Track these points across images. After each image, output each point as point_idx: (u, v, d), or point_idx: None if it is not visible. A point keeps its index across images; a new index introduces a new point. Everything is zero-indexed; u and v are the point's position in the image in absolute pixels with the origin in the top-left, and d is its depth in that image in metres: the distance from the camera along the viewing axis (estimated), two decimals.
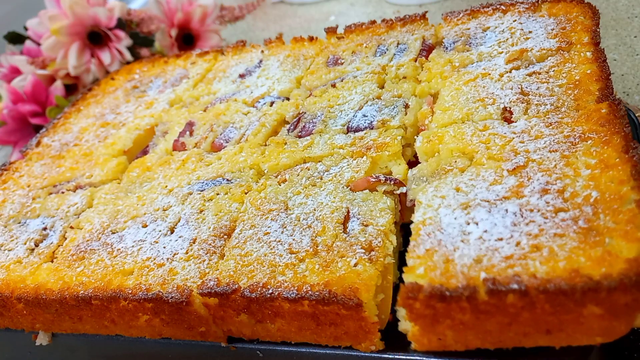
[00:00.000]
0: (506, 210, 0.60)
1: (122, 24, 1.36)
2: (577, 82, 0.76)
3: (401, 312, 0.60)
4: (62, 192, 0.95)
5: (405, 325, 0.61)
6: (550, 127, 0.70)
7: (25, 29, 1.44)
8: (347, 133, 0.85)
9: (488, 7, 0.99)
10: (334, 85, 0.96)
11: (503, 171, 0.65)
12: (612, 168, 0.61)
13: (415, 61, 0.95)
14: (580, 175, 0.61)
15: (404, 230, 0.76)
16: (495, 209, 0.61)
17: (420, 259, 0.58)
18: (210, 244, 0.73)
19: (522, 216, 0.59)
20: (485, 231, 0.59)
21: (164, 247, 0.75)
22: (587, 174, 0.61)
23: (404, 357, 0.63)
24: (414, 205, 0.68)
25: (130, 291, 0.70)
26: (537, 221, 0.58)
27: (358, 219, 0.69)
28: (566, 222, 0.57)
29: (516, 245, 0.56)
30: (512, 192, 0.62)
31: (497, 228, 0.59)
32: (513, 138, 0.70)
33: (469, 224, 0.61)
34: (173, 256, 0.73)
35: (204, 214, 0.79)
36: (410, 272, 0.58)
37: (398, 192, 0.73)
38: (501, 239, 0.57)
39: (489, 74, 0.84)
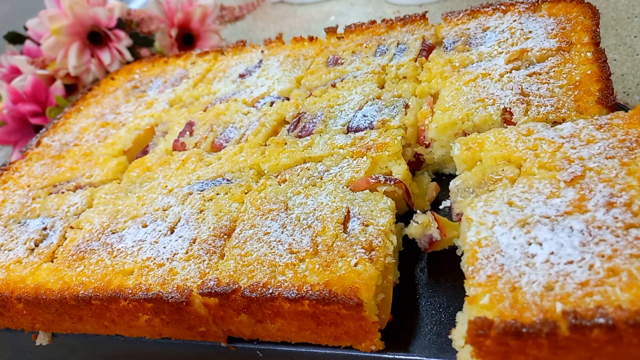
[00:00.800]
0: (571, 228, 0.55)
1: (122, 24, 1.36)
2: (577, 83, 0.76)
3: (465, 350, 0.56)
4: (62, 192, 0.95)
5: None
6: (602, 130, 0.65)
7: (25, 29, 1.44)
8: (347, 133, 0.85)
9: (488, 7, 0.99)
10: (334, 85, 0.96)
11: (559, 182, 0.60)
12: None
13: (415, 61, 0.95)
14: None
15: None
16: (559, 227, 0.56)
17: (483, 287, 0.53)
18: (210, 244, 0.73)
19: (590, 234, 0.54)
20: (552, 253, 0.54)
21: (164, 247, 0.75)
22: None
23: (404, 357, 0.63)
24: (459, 219, 0.64)
25: (130, 291, 0.70)
26: (607, 240, 0.53)
27: (358, 219, 0.69)
28: None
29: (589, 269, 0.51)
30: (574, 206, 0.57)
31: (565, 249, 0.53)
32: (563, 143, 0.65)
33: (530, 244, 0.55)
34: (173, 256, 0.73)
35: (204, 214, 0.78)
36: (473, 303, 0.52)
37: (442, 207, 0.69)
38: (571, 262, 0.52)
39: (489, 74, 0.84)
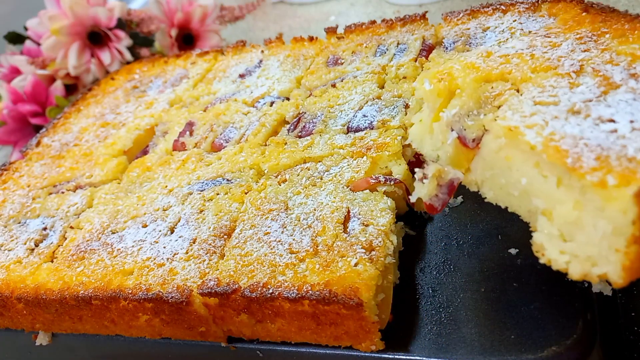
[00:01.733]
0: (623, 101, 0.51)
1: (122, 24, 1.36)
2: None
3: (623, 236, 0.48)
4: (62, 192, 0.95)
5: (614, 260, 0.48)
6: (554, 36, 0.63)
7: (25, 29, 1.44)
8: (347, 133, 0.85)
9: (488, 7, 0.99)
10: (334, 85, 0.96)
11: (568, 75, 0.56)
12: None
13: (416, 61, 0.95)
14: None
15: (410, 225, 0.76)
16: (612, 102, 0.52)
17: (597, 171, 0.47)
18: (210, 244, 0.73)
19: None
20: (632, 121, 0.49)
21: (164, 247, 0.75)
22: None
23: (404, 356, 0.63)
24: (477, 144, 0.58)
25: (130, 291, 0.70)
26: None
27: (358, 219, 0.69)
28: None
29: None
30: (605, 85, 0.53)
31: None
32: (533, 52, 0.61)
33: (600, 124, 0.50)
34: (173, 256, 0.73)
35: (204, 214, 0.78)
36: (602, 187, 0.46)
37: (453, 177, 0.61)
38: None
39: None
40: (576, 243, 0.50)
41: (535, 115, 0.54)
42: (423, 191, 0.64)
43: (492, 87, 0.60)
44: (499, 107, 0.57)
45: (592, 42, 0.61)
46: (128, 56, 1.34)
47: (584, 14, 0.67)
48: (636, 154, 0.47)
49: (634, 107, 0.51)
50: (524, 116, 0.54)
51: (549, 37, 0.65)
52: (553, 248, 0.53)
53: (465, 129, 0.59)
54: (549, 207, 0.53)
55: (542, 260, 0.54)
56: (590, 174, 0.48)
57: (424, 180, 0.62)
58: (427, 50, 0.97)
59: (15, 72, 1.38)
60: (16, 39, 1.48)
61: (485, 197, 0.63)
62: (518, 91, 0.58)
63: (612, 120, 0.51)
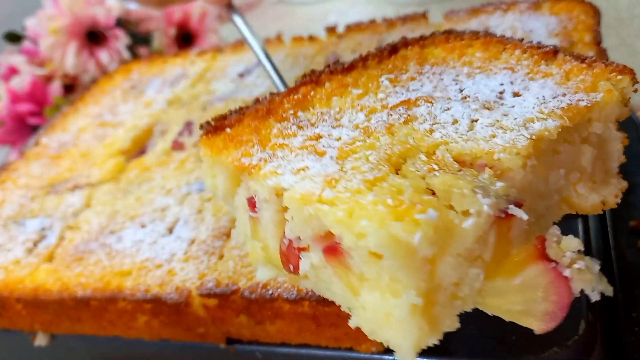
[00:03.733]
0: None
1: (120, 24, 1.35)
2: None
3: None
4: (60, 193, 0.94)
5: None
6: None
7: (24, 28, 1.43)
8: None
9: (489, 6, 0.98)
10: None
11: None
12: None
13: None
14: None
15: None
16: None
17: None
18: (209, 245, 0.73)
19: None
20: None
21: (163, 248, 0.75)
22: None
23: None
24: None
25: (128, 292, 0.70)
26: None
27: None
28: None
29: None
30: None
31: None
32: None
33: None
34: (172, 257, 0.73)
35: (202, 215, 0.78)
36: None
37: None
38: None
39: None
40: None
41: (487, 130, 0.51)
42: None
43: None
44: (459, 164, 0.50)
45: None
46: (126, 55, 1.34)
47: None
48: None
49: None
50: (487, 139, 0.50)
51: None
52: (597, 196, 0.54)
53: (505, 197, 0.46)
54: (580, 170, 0.54)
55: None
56: None
57: None
58: None
59: (14, 71, 1.38)
60: (14, 38, 1.47)
61: None
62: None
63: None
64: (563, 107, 0.51)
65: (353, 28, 1.10)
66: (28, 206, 0.93)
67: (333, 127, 0.56)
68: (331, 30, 1.11)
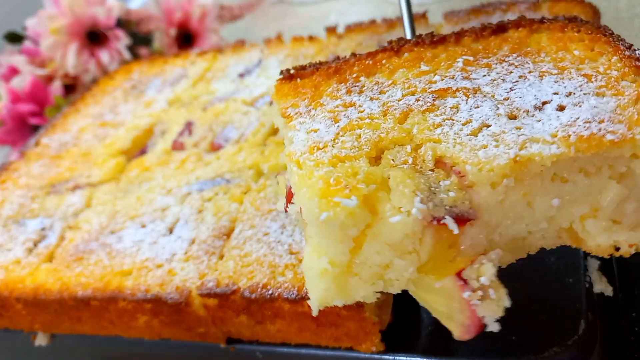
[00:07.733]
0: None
1: (121, 24, 1.35)
2: None
3: None
4: (61, 193, 0.94)
5: None
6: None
7: (24, 28, 1.43)
8: None
9: (489, 6, 0.98)
10: None
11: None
12: None
13: None
14: None
15: None
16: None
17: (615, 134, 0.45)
18: (209, 245, 0.73)
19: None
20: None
21: (163, 248, 0.75)
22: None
23: (404, 358, 0.63)
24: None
25: (129, 292, 0.70)
26: None
27: None
28: None
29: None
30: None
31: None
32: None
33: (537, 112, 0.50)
34: (172, 257, 0.73)
35: (203, 214, 0.78)
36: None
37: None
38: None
39: None
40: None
41: (484, 139, 0.49)
42: None
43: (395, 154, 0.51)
44: (436, 164, 0.50)
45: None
46: (127, 56, 1.34)
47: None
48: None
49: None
50: (476, 148, 0.49)
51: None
52: (608, 238, 0.50)
53: (448, 207, 0.47)
54: (594, 205, 0.49)
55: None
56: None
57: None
58: None
59: (14, 71, 1.38)
60: (15, 38, 1.47)
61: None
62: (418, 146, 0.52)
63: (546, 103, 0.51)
64: (582, 136, 0.46)
65: (353, 28, 1.10)
66: (28, 206, 0.93)
67: (371, 99, 0.57)
68: (331, 30, 1.11)
